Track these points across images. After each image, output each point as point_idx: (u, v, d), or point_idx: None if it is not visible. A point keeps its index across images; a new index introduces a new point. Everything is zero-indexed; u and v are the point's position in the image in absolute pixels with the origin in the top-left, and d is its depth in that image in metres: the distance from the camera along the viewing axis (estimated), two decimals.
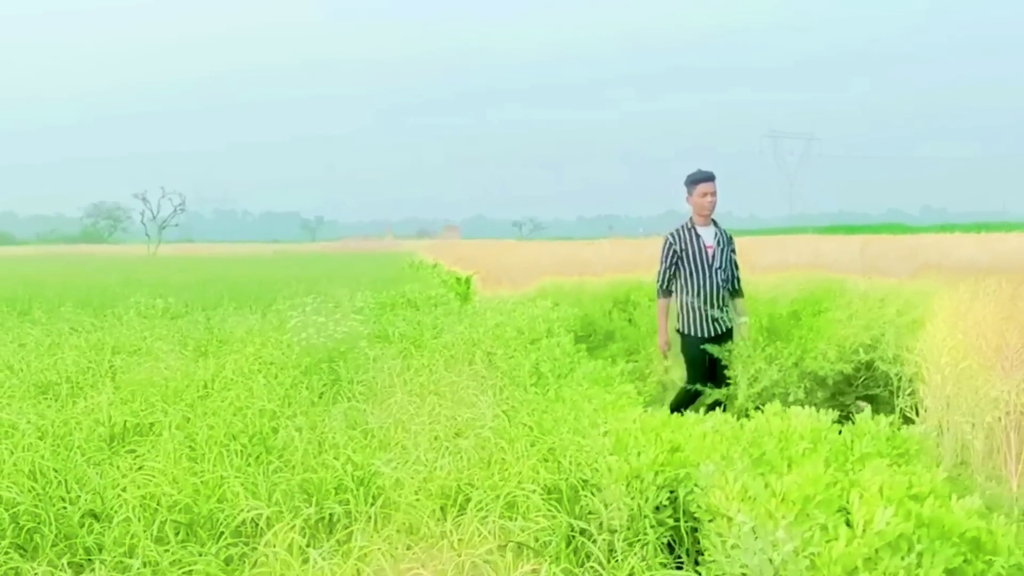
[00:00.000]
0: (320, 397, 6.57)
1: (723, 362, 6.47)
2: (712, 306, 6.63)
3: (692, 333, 6.72)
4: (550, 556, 3.47)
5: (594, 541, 3.57)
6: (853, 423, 3.60)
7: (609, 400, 4.45)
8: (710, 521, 3.03)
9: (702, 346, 6.61)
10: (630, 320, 9.11)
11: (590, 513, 3.84)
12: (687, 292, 6.73)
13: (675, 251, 6.76)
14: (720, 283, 6.72)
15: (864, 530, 2.57)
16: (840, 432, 3.48)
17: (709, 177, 6.71)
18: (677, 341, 7.29)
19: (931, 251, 20.72)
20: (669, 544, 3.67)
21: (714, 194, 6.68)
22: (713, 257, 6.71)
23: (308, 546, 3.64)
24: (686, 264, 6.73)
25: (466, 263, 23.44)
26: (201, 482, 4.21)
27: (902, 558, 2.58)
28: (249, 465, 4.57)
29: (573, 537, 3.66)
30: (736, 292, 6.87)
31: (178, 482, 4.21)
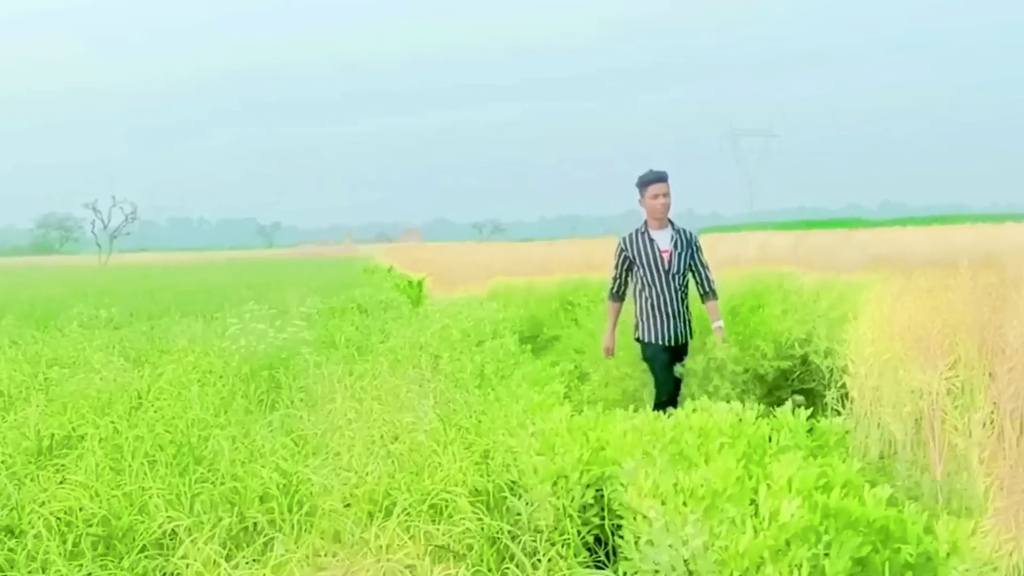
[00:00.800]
0: (258, 405, 6.50)
1: (678, 375, 6.24)
2: (668, 314, 6.21)
3: (650, 340, 6.30)
4: (473, 560, 3.44)
5: (518, 542, 3.54)
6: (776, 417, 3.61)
7: (538, 400, 4.42)
8: (623, 519, 3.01)
9: (662, 352, 6.26)
10: (575, 320, 9.09)
11: (519, 514, 3.82)
12: (643, 299, 6.31)
13: (627, 257, 6.31)
14: (677, 289, 6.25)
15: (770, 522, 2.56)
16: (758, 426, 3.49)
17: (660, 178, 6.22)
18: (632, 348, 7.27)
19: (883, 245, 20.97)
20: (598, 541, 3.65)
21: (667, 195, 6.21)
22: (669, 262, 6.21)
23: (228, 556, 3.59)
24: (640, 270, 6.27)
25: (422, 266, 23.36)
26: (122, 494, 4.12)
27: (809, 549, 2.58)
28: (176, 476, 4.48)
29: (497, 539, 3.63)
30: (708, 295, 6.38)
31: (99, 495, 4.12)
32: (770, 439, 3.39)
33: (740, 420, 3.60)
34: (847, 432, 3.82)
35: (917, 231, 33.75)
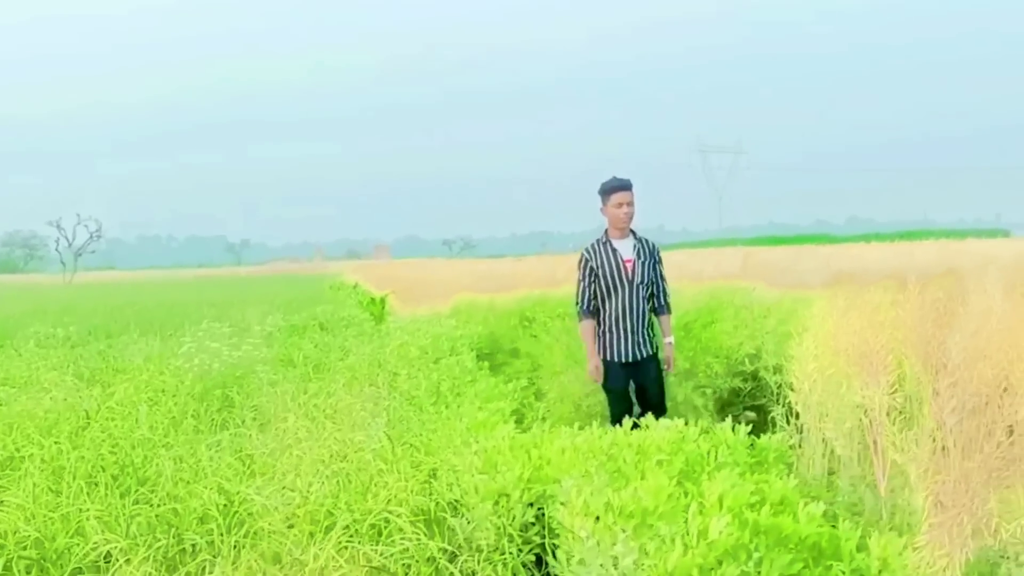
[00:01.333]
0: (208, 424, 6.41)
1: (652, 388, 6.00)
2: (630, 329, 5.91)
3: (611, 358, 5.96)
4: None
5: (457, 562, 3.50)
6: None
7: (481, 418, 4.38)
8: (558, 537, 2.98)
9: (619, 368, 5.96)
10: (534, 336, 9.06)
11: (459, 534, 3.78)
12: (605, 312, 5.97)
13: (592, 268, 5.96)
14: (642, 300, 5.96)
15: (699, 540, 2.54)
16: (697, 444, 3.47)
17: (624, 185, 5.89)
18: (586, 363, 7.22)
19: (848, 260, 21.14)
20: (539, 561, 3.62)
21: (631, 204, 5.88)
22: (633, 272, 5.92)
23: None
24: (603, 282, 5.94)
25: (389, 283, 23.26)
26: (59, 516, 4.04)
27: (739, 566, 2.56)
28: (116, 497, 4.40)
29: (435, 559, 3.58)
30: (663, 308, 6.12)
31: (35, 517, 4.03)
32: (709, 456, 3.37)
33: (682, 437, 3.58)
34: (788, 448, 3.82)
35: (882, 247, 34.14)
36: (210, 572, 3.70)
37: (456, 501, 3.86)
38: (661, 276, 6.09)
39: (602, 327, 5.98)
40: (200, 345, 8.52)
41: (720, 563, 2.60)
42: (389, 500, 3.98)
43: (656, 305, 6.10)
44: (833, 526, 2.92)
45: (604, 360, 5.96)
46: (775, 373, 5.10)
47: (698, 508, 2.69)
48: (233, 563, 3.78)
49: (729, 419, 3.79)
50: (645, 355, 5.97)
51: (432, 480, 4.11)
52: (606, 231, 6.04)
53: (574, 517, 2.79)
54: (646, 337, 5.97)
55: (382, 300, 14.81)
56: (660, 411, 5.83)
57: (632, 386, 6.08)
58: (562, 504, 3.28)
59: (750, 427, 3.74)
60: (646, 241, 6.07)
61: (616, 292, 5.91)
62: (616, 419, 5.59)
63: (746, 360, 6.51)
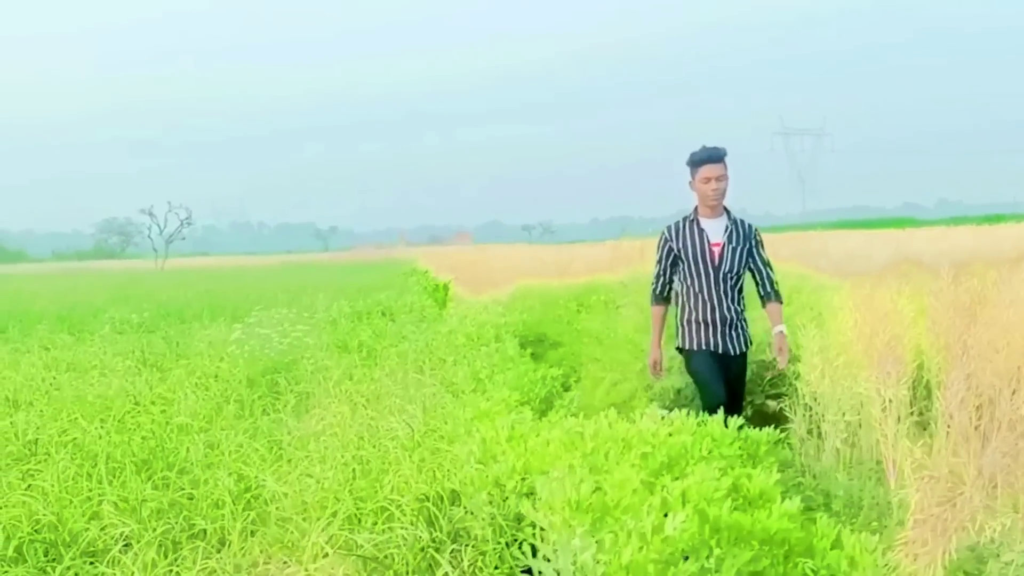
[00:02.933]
0: (250, 410, 6.57)
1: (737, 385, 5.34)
2: (716, 320, 5.18)
3: (691, 347, 5.25)
4: (398, 569, 3.44)
5: (445, 551, 3.54)
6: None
7: (484, 408, 4.40)
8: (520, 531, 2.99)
9: (708, 356, 5.23)
10: (568, 323, 9.05)
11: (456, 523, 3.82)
12: (686, 299, 5.28)
13: (671, 249, 5.28)
14: (729, 291, 5.20)
15: (653, 535, 2.52)
16: (681, 436, 3.43)
17: (713, 157, 5.14)
18: (628, 348, 7.16)
19: (928, 243, 20.59)
20: (534, 552, 3.63)
21: (720, 179, 5.14)
22: (720, 257, 5.18)
23: (172, 563, 3.64)
24: (685, 265, 5.25)
25: (462, 269, 23.47)
26: (78, 500, 4.19)
27: (698, 563, 2.54)
28: (140, 482, 4.54)
29: (425, 548, 3.63)
30: (769, 296, 5.29)
31: (55, 501, 4.19)
32: (694, 449, 3.33)
33: (670, 429, 3.56)
34: (779, 441, 3.76)
35: (965, 230, 33.15)
36: (216, 557, 3.80)
37: (454, 491, 3.90)
38: (764, 262, 5.30)
39: (684, 315, 5.29)
40: (250, 332, 8.69)
41: (683, 559, 2.58)
42: (393, 488, 4.04)
43: (762, 293, 5.32)
44: (807, 521, 2.87)
45: (689, 350, 5.25)
46: (792, 363, 5.01)
47: (660, 503, 2.67)
48: (241, 549, 3.89)
49: (721, 411, 3.76)
50: (734, 351, 5.24)
51: (433, 469, 4.16)
52: (695, 209, 5.29)
53: (539, 510, 2.80)
54: (737, 332, 5.24)
55: (445, 286, 14.93)
56: (739, 405, 5.32)
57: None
58: (526, 497, 3.30)
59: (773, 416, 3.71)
60: (742, 223, 5.30)
61: (699, 278, 5.22)
62: (710, 407, 4.67)
63: (766, 348, 6.33)
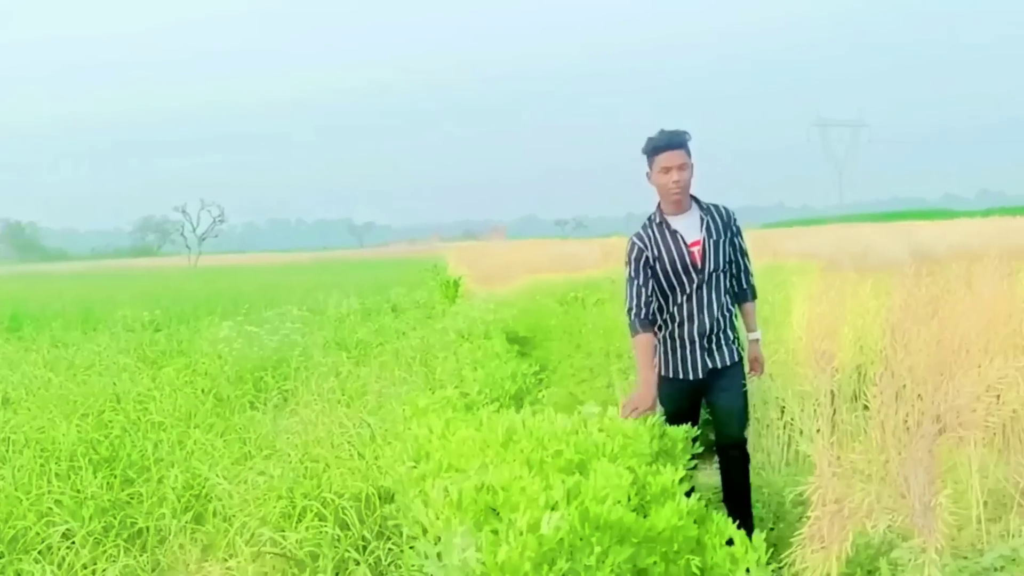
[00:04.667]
0: (230, 408, 6.65)
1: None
2: (710, 330, 4.14)
3: (663, 372, 4.19)
4: (322, 566, 3.48)
5: (368, 549, 3.57)
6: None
7: (423, 405, 4.41)
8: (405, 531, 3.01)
9: (683, 392, 4.19)
10: (559, 319, 9.06)
11: (387, 519, 3.86)
12: (667, 316, 4.21)
13: (648, 259, 4.19)
14: (721, 292, 4.20)
15: (526, 533, 2.52)
16: (590, 433, 3.42)
17: (672, 143, 4.12)
18: (607, 338, 7.14)
19: (963, 236, 20.35)
20: None
21: (682, 168, 4.11)
22: (703, 258, 4.15)
23: (92, 560, 3.70)
24: (663, 279, 4.17)
25: (483, 264, 23.57)
26: (27, 498, 4.27)
27: (578, 561, 2.54)
28: (96, 479, 4.61)
29: (354, 545, 3.66)
30: (745, 294, 4.35)
31: (6, 498, 4.27)
32: (605, 446, 3.32)
33: (583, 426, 3.56)
34: (697, 438, 3.74)
35: (1002, 220, 32.80)
36: (135, 554, 3.86)
37: (388, 489, 3.94)
38: (743, 252, 4.37)
39: (663, 332, 4.23)
40: (239, 330, 8.79)
41: (560, 557, 2.58)
42: (331, 487, 4.08)
43: (736, 291, 4.32)
44: (700, 518, 2.86)
45: (662, 375, 4.19)
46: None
47: (545, 501, 2.67)
48: (180, 546, 3.95)
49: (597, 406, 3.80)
50: (723, 363, 4.17)
51: (376, 469, 4.19)
52: (659, 206, 4.27)
53: (424, 508, 2.81)
54: (725, 339, 4.19)
55: (455, 283, 14.96)
56: (739, 433, 4.15)
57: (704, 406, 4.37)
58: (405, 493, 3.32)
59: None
60: (716, 209, 4.29)
61: (683, 288, 4.16)
62: None
63: None
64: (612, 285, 9.12)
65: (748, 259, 4.40)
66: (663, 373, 4.17)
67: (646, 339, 4.07)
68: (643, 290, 4.15)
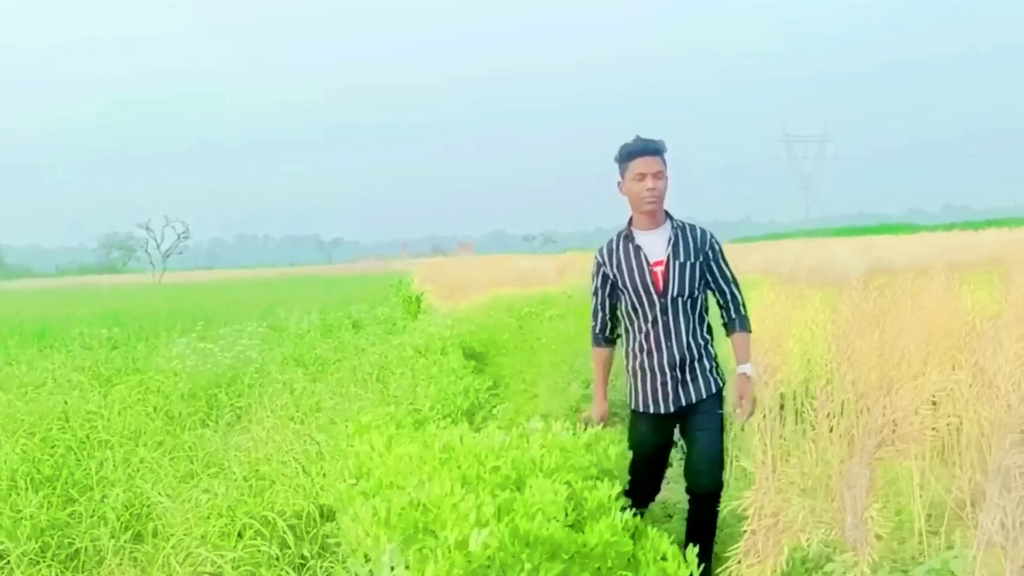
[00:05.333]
0: (180, 425, 6.57)
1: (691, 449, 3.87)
2: (673, 362, 3.79)
3: (632, 405, 3.93)
4: None
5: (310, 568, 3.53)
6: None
7: (365, 422, 4.37)
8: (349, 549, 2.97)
9: (647, 427, 3.89)
10: (520, 330, 9.06)
11: (328, 537, 3.81)
12: (631, 342, 3.93)
13: (607, 275, 3.96)
14: (682, 321, 3.80)
15: (454, 550, 2.49)
16: (527, 449, 3.40)
17: (648, 149, 3.81)
18: (567, 349, 7.14)
19: (924, 249, 20.63)
20: None
21: (657, 176, 3.79)
22: (666, 280, 3.80)
23: None
24: (625, 295, 3.89)
25: (448, 280, 23.58)
26: None
27: None
28: (42, 499, 4.52)
29: (296, 566, 3.61)
30: (733, 324, 3.94)
31: None
32: (542, 461, 3.30)
33: (519, 442, 3.54)
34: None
35: (964, 234, 33.32)
36: (88, 573, 3.79)
37: (329, 507, 3.89)
38: (728, 279, 3.95)
39: (628, 361, 3.95)
40: (193, 347, 8.70)
41: (490, 574, 2.56)
42: (274, 505, 4.03)
43: (725, 320, 3.97)
44: (633, 535, 2.85)
45: (632, 410, 3.95)
46: None
47: (477, 518, 2.64)
48: (119, 566, 3.88)
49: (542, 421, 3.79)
50: (699, 396, 3.81)
51: (319, 486, 4.15)
52: (630, 220, 3.98)
53: (356, 526, 2.77)
54: (697, 374, 3.82)
55: (418, 298, 14.93)
56: (713, 483, 3.74)
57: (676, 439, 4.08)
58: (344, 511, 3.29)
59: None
60: (691, 230, 3.93)
61: (644, 313, 3.84)
62: (638, 500, 3.69)
63: None
64: (568, 300, 9.14)
65: (735, 286, 3.97)
66: (631, 406, 3.91)
67: (600, 353, 4.04)
68: (600, 307, 4.01)
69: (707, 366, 3.82)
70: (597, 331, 4.03)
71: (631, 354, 3.89)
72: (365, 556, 2.68)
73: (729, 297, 3.92)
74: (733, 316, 3.92)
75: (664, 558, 2.77)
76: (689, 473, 3.80)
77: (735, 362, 3.84)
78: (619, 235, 3.96)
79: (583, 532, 2.80)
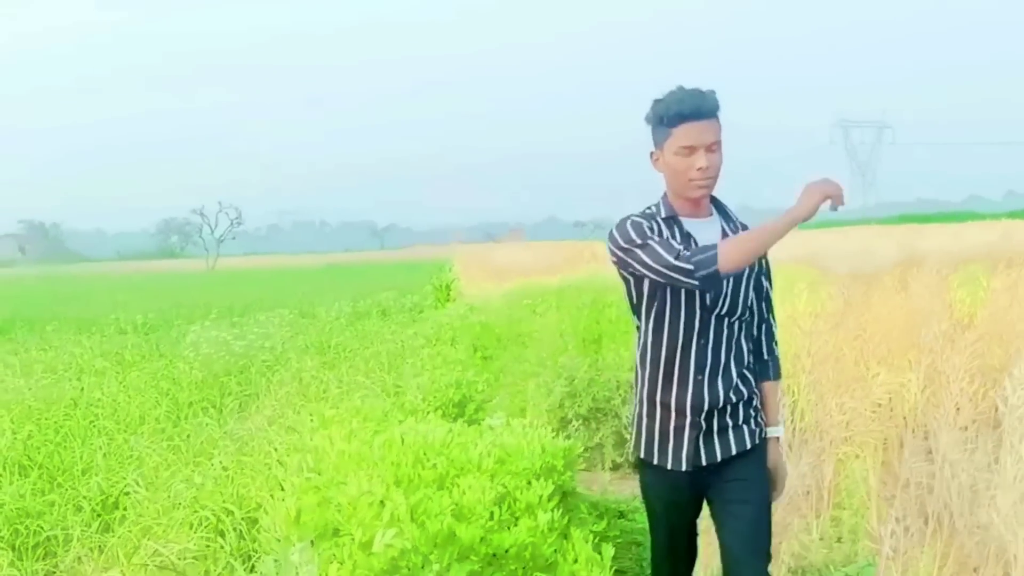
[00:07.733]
0: (185, 413, 6.66)
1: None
2: (694, 405, 2.75)
3: (645, 456, 2.87)
4: None
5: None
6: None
7: (329, 416, 4.38)
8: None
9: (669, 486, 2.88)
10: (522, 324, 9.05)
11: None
12: (649, 363, 2.82)
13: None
14: (727, 347, 2.77)
15: (360, 550, 2.50)
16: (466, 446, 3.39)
17: (701, 110, 2.65)
18: (563, 341, 7.09)
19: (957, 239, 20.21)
20: None
21: (711, 149, 2.67)
22: (724, 293, 2.73)
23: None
24: (655, 298, 2.77)
25: (489, 266, 23.63)
26: None
27: None
28: (20, 486, 4.62)
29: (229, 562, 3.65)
30: (765, 368, 2.93)
31: None
32: (481, 459, 3.28)
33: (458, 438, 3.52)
34: (582, 451, 3.70)
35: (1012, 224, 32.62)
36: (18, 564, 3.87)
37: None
38: (768, 302, 2.94)
39: (641, 391, 2.86)
40: (204, 335, 8.82)
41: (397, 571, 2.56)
42: (238, 497, 4.07)
43: (753, 358, 2.90)
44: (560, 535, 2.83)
45: (645, 462, 2.88)
46: None
47: (390, 518, 2.64)
48: (80, 555, 3.95)
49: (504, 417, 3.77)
50: (740, 448, 2.80)
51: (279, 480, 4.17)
52: (663, 199, 2.81)
53: (275, 526, 2.79)
54: (739, 421, 2.81)
55: (447, 285, 15.02)
56: (758, 564, 2.78)
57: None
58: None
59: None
60: (742, 226, 2.86)
61: (678, 324, 2.74)
62: (657, 557, 3.06)
63: None
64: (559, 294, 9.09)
65: (773, 316, 2.99)
66: (643, 457, 2.87)
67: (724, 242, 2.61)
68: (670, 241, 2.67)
69: (751, 411, 2.83)
70: (684, 255, 2.58)
71: (647, 382, 2.81)
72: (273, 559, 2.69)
73: (765, 330, 2.94)
74: (766, 357, 2.93)
75: (575, 560, 2.75)
76: (727, 559, 2.82)
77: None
78: (652, 216, 2.78)
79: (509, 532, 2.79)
